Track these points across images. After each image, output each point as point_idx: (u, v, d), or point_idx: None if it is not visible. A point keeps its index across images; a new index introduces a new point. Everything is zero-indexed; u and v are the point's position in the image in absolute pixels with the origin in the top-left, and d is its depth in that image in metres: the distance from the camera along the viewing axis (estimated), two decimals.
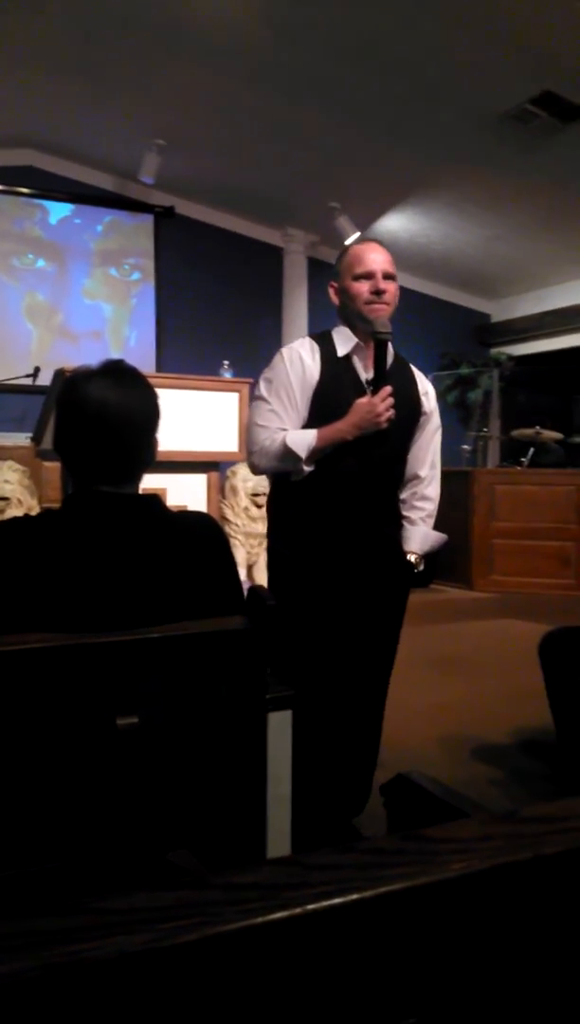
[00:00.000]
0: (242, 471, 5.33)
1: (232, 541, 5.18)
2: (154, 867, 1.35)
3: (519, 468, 6.52)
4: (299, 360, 2.10)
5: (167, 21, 4.26)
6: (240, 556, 5.25)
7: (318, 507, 2.10)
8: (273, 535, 2.24)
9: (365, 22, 4.02)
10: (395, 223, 6.71)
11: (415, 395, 2.21)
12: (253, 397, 2.19)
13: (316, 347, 2.13)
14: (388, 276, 2.09)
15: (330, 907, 0.47)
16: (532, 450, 6.54)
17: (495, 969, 0.56)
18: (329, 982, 0.49)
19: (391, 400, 2.02)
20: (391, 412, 2.02)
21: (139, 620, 1.26)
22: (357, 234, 6.43)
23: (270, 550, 2.25)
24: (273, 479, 2.21)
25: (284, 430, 2.05)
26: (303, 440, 2.02)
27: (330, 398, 2.07)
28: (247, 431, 2.14)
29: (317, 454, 2.03)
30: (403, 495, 2.27)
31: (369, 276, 2.08)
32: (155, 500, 1.41)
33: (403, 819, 0.99)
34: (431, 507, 2.28)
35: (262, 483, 5.38)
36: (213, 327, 7.17)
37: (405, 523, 2.24)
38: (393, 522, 2.23)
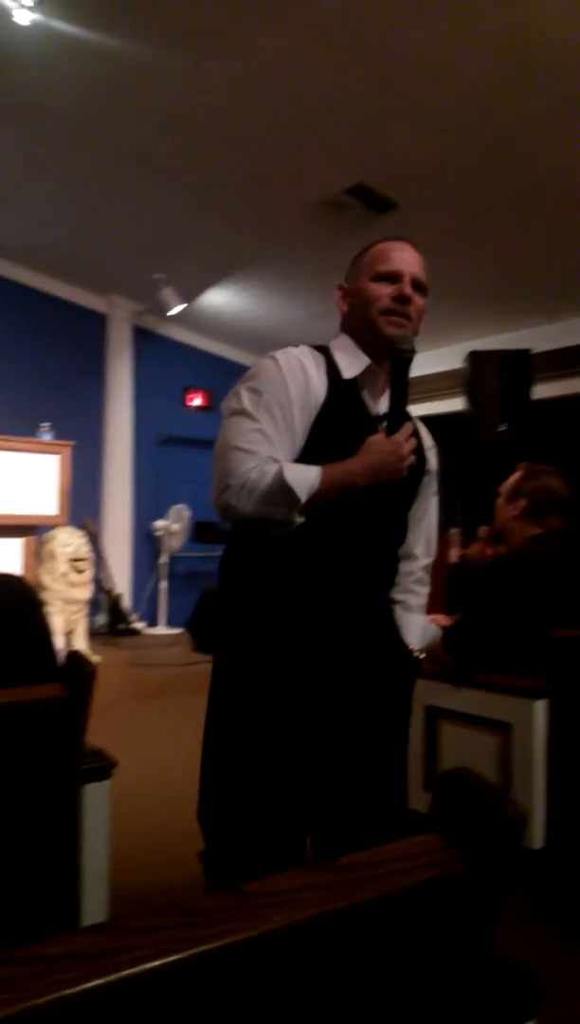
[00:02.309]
0: (62, 535, 5.15)
1: (50, 608, 4.97)
2: None
3: None
4: (301, 370, 1.58)
5: None
6: (58, 623, 5.04)
7: (308, 577, 1.56)
8: (234, 616, 1.63)
9: (191, 100, 4.18)
10: (220, 298, 6.90)
11: (421, 447, 1.74)
12: (230, 411, 1.59)
13: (320, 359, 1.62)
14: (419, 285, 1.64)
15: (147, 971, 0.45)
16: None
17: (323, 1018, 0.55)
18: None
19: (414, 442, 1.58)
20: (413, 458, 1.58)
21: None
22: (182, 305, 6.54)
23: (228, 637, 1.64)
24: (235, 533, 1.67)
25: (276, 460, 1.50)
26: (306, 477, 1.47)
27: (333, 431, 1.56)
28: (220, 457, 1.55)
29: (316, 501, 1.50)
30: (403, 578, 1.80)
31: (394, 278, 1.61)
32: None
33: (222, 881, 0.97)
34: (427, 593, 1.85)
35: (83, 547, 5.23)
36: (33, 389, 7.00)
37: (399, 609, 1.76)
38: (389, 605, 1.76)
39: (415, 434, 1.65)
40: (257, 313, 7.10)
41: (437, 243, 5.24)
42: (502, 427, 5.27)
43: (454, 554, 5.55)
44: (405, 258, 1.63)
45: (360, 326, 1.64)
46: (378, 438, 1.54)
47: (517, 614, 2.52)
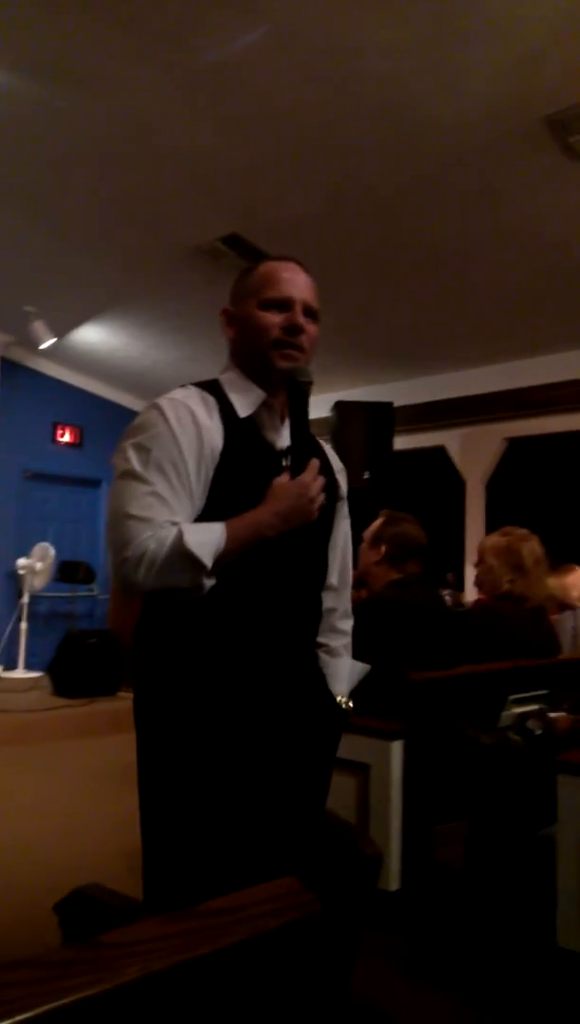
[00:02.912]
0: None
1: None
2: None
3: None
4: (191, 419, 1.42)
5: None
6: None
7: (227, 642, 1.43)
8: (153, 691, 1.49)
9: (76, 140, 4.16)
10: (94, 335, 6.82)
11: (331, 473, 1.61)
12: (118, 472, 1.42)
13: (211, 401, 1.47)
14: (310, 311, 1.53)
15: None
16: None
17: None
18: None
19: (322, 480, 1.45)
20: (323, 496, 1.45)
21: None
22: (53, 340, 6.42)
23: (148, 712, 1.50)
24: (147, 601, 1.51)
25: (175, 523, 1.36)
26: (208, 539, 1.34)
27: (237, 477, 1.44)
28: (113, 526, 1.39)
29: (224, 560, 1.36)
30: (325, 618, 1.69)
31: (284, 305, 1.49)
32: None
33: (80, 934, 0.93)
34: (350, 627, 1.74)
35: None
36: None
37: (323, 655, 1.65)
38: (313, 643, 1.64)
39: (323, 463, 1.53)
40: (132, 352, 7.07)
41: None
42: (366, 475, 5.47)
43: None
44: (296, 282, 1.51)
45: (250, 357, 1.52)
46: (283, 482, 1.43)
47: (377, 657, 2.58)
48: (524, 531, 2.97)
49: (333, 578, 1.68)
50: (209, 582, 1.37)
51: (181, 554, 1.32)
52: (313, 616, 1.61)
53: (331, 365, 6.67)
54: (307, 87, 3.47)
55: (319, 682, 1.61)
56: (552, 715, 2.41)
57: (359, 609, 2.73)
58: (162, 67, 3.49)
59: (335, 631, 1.70)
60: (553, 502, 6.77)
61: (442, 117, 3.57)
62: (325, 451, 1.67)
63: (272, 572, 1.45)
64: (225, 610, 1.42)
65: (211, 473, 1.42)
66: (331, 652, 1.68)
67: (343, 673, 1.68)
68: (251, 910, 0.63)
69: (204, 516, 1.41)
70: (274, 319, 1.49)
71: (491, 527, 5.62)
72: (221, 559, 1.35)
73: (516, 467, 6.69)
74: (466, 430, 6.65)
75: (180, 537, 1.32)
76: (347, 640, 1.73)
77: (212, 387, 1.51)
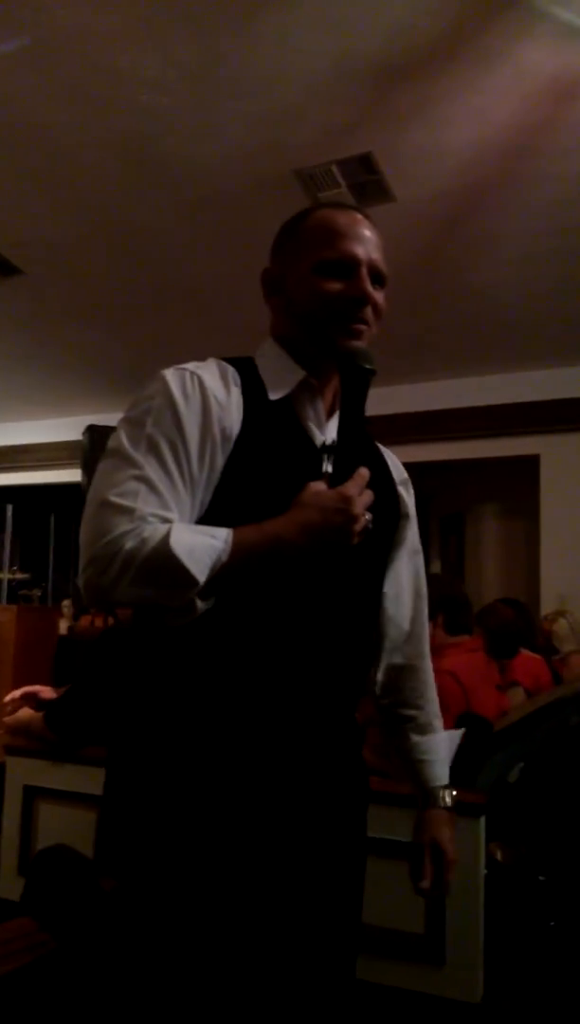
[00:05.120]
0: None
1: None
2: None
3: None
4: (200, 392, 1.12)
5: None
6: None
7: (228, 690, 1.09)
8: (139, 742, 1.14)
9: None
10: None
11: (391, 486, 1.33)
12: (105, 455, 1.11)
13: (231, 373, 1.18)
14: (378, 275, 1.21)
15: None
16: None
17: None
18: None
19: (370, 495, 1.08)
20: (368, 516, 1.07)
21: None
22: None
23: (127, 770, 1.18)
24: (135, 619, 1.22)
25: (167, 520, 1.03)
26: (205, 546, 1.00)
27: (254, 474, 1.12)
28: (86, 518, 1.06)
29: (228, 579, 1.02)
30: (381, 674, 1.35)
31: (347, 268, 1.18)
32: None
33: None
34: (434, 690, 1.40)
35: None
36: None
37: (416, 736, 1.35)
38: (352, 706, 1.24)
39: (379, 473, 1.25)
40: None
41: (69, 313, 5.31)
42: None
43: (63, 626, 5.47)
44: (361, 236, 1.20)
45: (297, 334, 1.23)
46: (319, 488, 1.07)
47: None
48: None
49: (406, 622, 1.37)
50: (204, 604, 1.01)
51: (165, 560, 0.97)
52: (351, 672, 1.24)
53: (91, 386, 6.57)
54: (61, 108, 3.41)
55: (353, 763, 1.24)
56: None
57: (103, 638, 2.70)
58: None
59: (415, 699, 1.36)
60: None
61: (198, 156, 3.68)
62: (385, 458, 1.37)
63: (295, 606, 1.11)
64: (230, 643, 1.08)
65: (221, 461, 1.10)
66: (421, 728, 1.36)
67: (441, 753, 1.36)
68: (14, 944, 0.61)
69: (209, 517, 1.08)
70: (334, 287, 1.18)
71: None
72: (223, 576, 1.00)
73: None
74: None
75: (167, 537, 0.98)
76: (435, 707, 1.40)
77: (241, 363, 1.22)
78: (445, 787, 1.34)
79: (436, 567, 7.48)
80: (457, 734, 1.45)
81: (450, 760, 1.38)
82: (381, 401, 5.74)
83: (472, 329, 5.19)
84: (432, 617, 2.81)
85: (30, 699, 2.64)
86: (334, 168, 3.70)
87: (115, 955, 0.80)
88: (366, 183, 3.78)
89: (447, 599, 2.89)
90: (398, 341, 5.04)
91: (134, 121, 3.47)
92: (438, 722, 1.40)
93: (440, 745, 1.37)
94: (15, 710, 2.65)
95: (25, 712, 2.61)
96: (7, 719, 2.63)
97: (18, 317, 5.39)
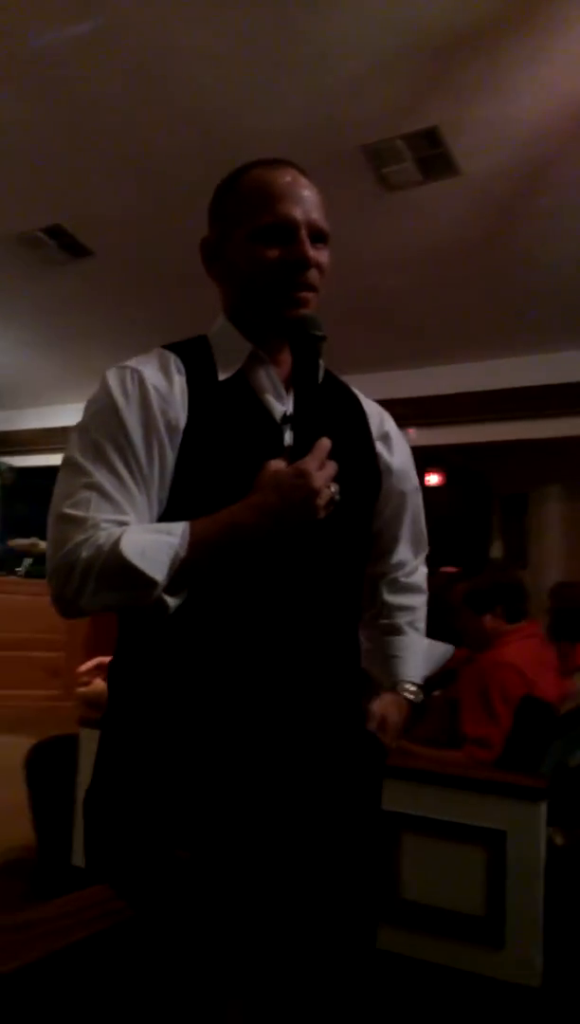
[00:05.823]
0: None
1: None
2: None
3: (14, 578, 6.44)
4: (139, 388, 1.10)
5: None
6: None
7: (208, 678, 1.09)
8: (123, 735, 1.16)
9: None
10: None
11: (366, 443, 1.29)
12: (61, 463, 1.12)
13: (175, 363, 1.15)
14: (318, 234, 1.15)
15: None
16: (29, 560, 6.53)
17: None
18: None
19: (333, 467, 1.06)
20: (333, 487, 1.06)
21: None
22: None
23: (115, 765, 1.16)
24: (120, 624, 1.20)
25: (123, 523, 1.04)
26: (156, 545, 1.01)
27: (210, 461, 1.11)
28: (48, 531, 1.08)
29: (192, 573, 1.02)
30: (379, 591, 1.38)
31: (284, 232, 1.13)
32: None
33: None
34: (421, 602, 1.41)
35: None
36: None
37: (388, 637, 1.36)
38: (345, 680, 1.22)
39: (353, 425, 1.25)
40: None
41: (129, 293, 5.35)
42: None
43: None
44: (297, 195, 1.13)
45: (240, 305, 1.19)
46: (276, 467, 1.05)
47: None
48: None
49: (399, 554, 1.38)
50: (174, 600, 1.02)
51: (118, 565, 0.99)
52: (338, 638, 1.22)
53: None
54: (124, 84, 3.43)
55: (349, 717, 1.22)
56: None
57: None
58: None
59: (398, 608, 1.37)
60: None
61: (265, 132, 3.65)
62: (363, 407, 1.33)
63: (270, 586, 1.10)
64: (206, 633, 1.09)
65: (172, 454, 1.09)
66: (396, 629, 1.37)
67: (412, 652, 1.35)
68: (59, 922, 0.63)
69: (172, 512, 1.08)
70: (272, 253, 1.12)
71: None
72: (187, 570, 1.01)
73: None
74: None
75: (116, 543, 0.99)
76: (413, 617, 1.39)
77: (191, 346, 1.20)
78: (411, 682, 1.34)
79: (498, 549, 7.37)
80: (441, 645, 1.45)
81: (430, 669, 1.40)
82: (444, 380, 5.71)
83: (535, 305, 5.06)
84: (491, 608, 2.81)
85: (104, 670, 2.64)
86: (399, 142, 3.64)
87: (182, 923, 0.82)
88: (432, 157, 3.72)
89: (503, 588, 2.88)
90: (460, 317, 4.95)
91: (200, 100, 3.47)
92: (417, 626, 1.41)
93: (414, 645, 1.37)
94: (89, 681, 2.65)
95: (99, 683, 2.59)
96: (81, 690, 2.64)
97: (86, 296, 5.45)
